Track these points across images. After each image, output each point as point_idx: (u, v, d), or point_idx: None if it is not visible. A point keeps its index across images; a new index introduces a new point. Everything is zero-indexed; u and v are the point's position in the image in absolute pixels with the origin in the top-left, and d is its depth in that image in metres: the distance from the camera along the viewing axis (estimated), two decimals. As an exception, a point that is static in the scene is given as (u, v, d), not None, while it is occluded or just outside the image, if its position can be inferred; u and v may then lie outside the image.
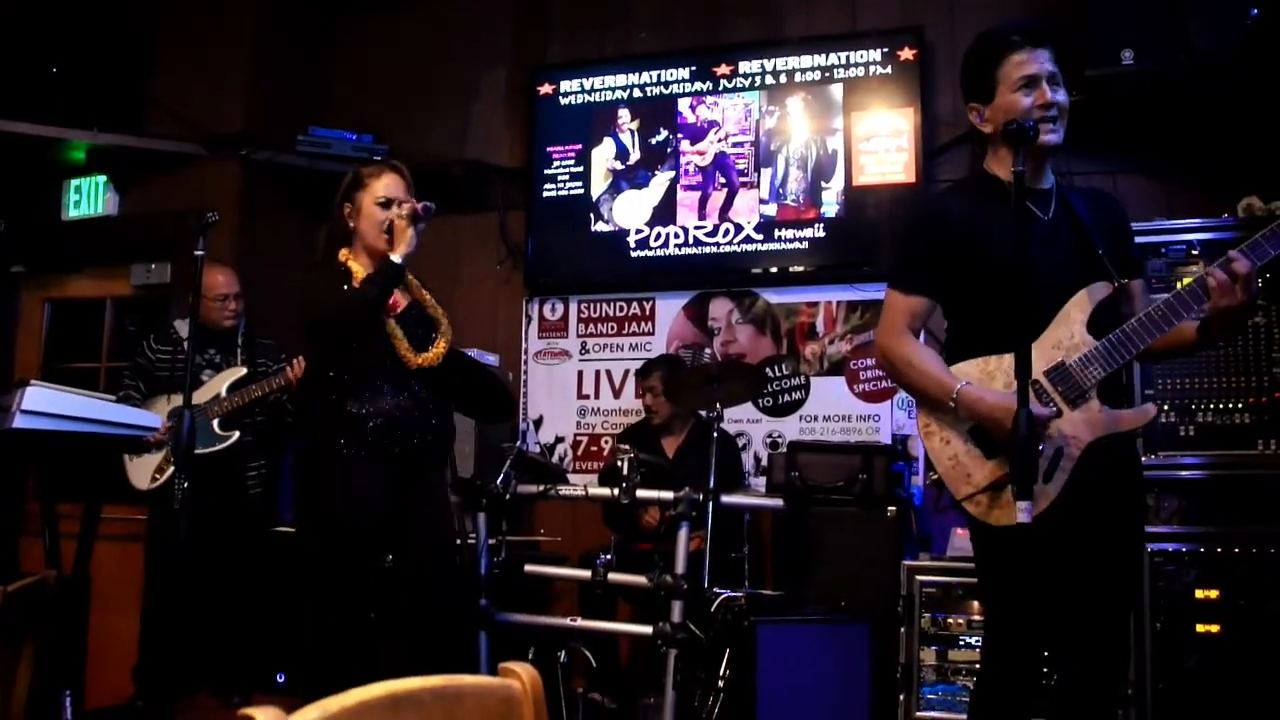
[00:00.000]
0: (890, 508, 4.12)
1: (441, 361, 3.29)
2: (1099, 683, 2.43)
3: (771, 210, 5.10)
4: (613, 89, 5.43)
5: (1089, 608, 2.43)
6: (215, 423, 4.40)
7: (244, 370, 4.53)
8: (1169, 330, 2.38)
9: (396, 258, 3.15)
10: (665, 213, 5.26)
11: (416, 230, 3.19)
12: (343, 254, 3.28)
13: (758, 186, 5.14)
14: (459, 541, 3.63)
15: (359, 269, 3.24)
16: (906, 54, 4.95)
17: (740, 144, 5.19)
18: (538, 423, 5.42)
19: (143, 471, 4.39)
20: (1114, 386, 2.48)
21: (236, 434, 4.43)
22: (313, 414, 3.30)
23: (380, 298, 3.14)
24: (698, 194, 5.22)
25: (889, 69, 4.98)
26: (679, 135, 5.29)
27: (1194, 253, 3.74)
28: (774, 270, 5.09)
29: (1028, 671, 2.40)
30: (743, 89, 5.22)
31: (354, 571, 3.16)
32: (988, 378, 2.45)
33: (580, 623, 3.91)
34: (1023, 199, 2.22)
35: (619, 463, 3.76)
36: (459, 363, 3.48)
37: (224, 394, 4.44)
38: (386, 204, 3.25)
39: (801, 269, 5.04)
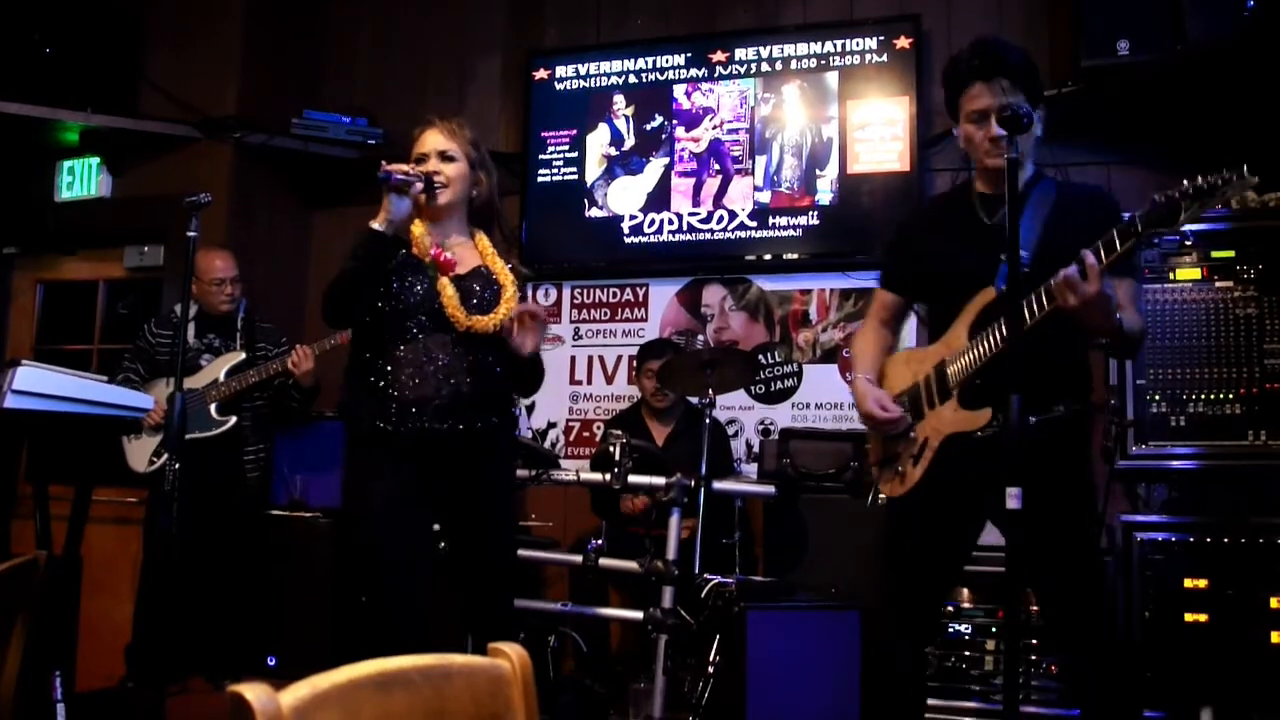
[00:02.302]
0: (881, 495, 4.12)
1: (498, 331, 2.93)
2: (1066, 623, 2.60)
3: (765, 197, 5.10)
4: (608, 75, 5.41)
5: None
6: (213, 407, 4.42)
7: (242, 355, 4.54)
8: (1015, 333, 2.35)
9: (375, 224, 2.86)
10: (659, 199, 5.26)
11: (394, 196, 2.86)
12: (415, 222, 3.02)
13: (752, 173, 5.13)
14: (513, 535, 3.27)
15: (418, 232, 3.00)
16: (903, 42, 4.94)
17: (735, 131, 5.18)
18: (530, 408, 5.43)
19: (141, 454, 4.41)
20: (1039, 381, 2.43)
21: (233, 419, 4.45)
22: (350, 393, 2.99)
23: (358, 269, 2.86)
24: (692, 180, 5.22)
25: (885, 57, 4.97)
26: (674, 121, 5.28)
27: (1187, 243, 3.75)
28: (768, 257, 5.08)
29: (917, 603, 2.77)
30: (738, 76, 5.21)
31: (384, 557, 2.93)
32: (904, 365, 2.83)
33: (571, 608, 3.93)
34: (1016, 186, 2.26)
35: (610, 448, 3.76)
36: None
37: (222, 378, 4.45)
38: (421, 160, 3.01)
39: (795, 256, 5.04)
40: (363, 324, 2.95)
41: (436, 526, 3.25)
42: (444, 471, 2.95)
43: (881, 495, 2.86)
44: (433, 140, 3.02)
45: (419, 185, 2.91)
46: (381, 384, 2.90)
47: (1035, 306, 2.39)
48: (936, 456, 2.65)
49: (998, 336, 2.46)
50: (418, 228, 3.01)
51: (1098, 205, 2.64)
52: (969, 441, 2.59)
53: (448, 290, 2.92)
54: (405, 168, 2.91)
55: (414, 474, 2.91)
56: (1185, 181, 2.18)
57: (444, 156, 3.01)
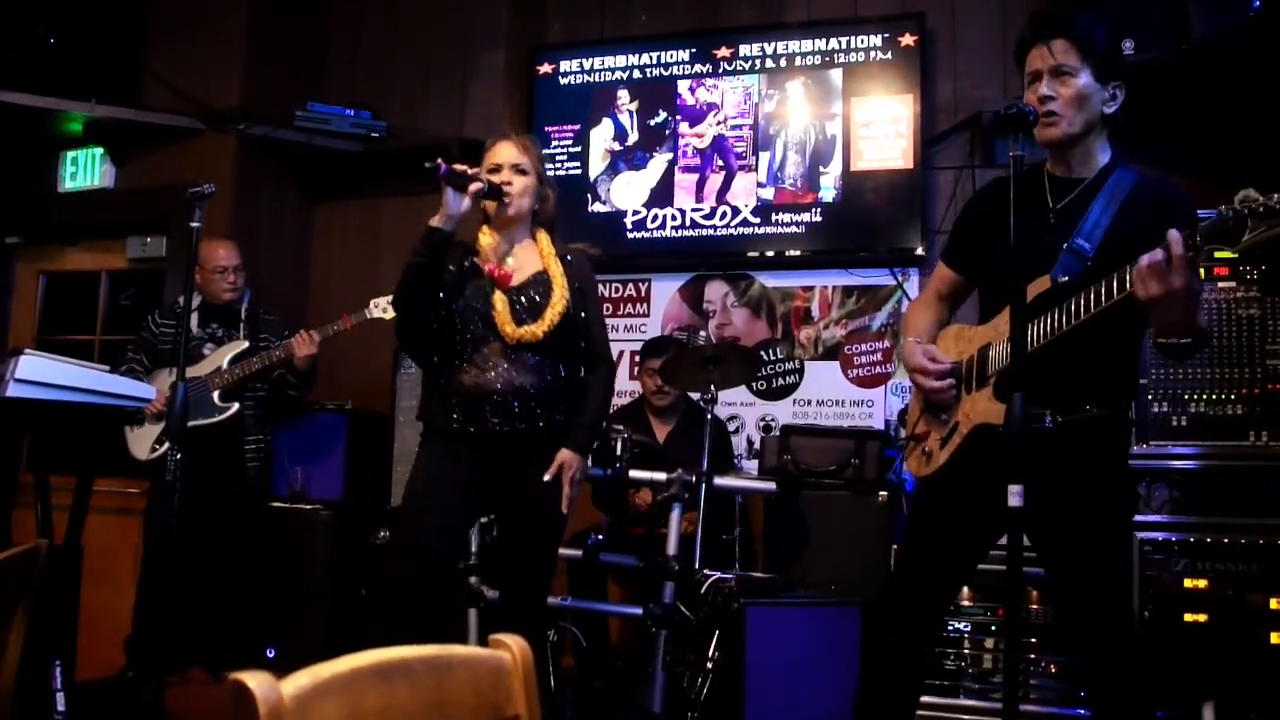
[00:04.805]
0: (882, 493, 4.12)
1: (548, 335, 3.08)
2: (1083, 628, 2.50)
3: (769, 194, 5.09)
4: (612, 70, 5.41)
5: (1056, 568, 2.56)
6: (215, 395, 4.42)
7: (246, 344, 4.54)
8: (1067, 328, 2.31)
9: (434, 221, 2.99)
10: (662, 194, 5.25)
11: (451, 193, 2.98)
12: (483, 230, 3.21)
13: (755, 170, 5.13)
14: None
15: (484, 241, 3.18)
16: (907, 40, 4.93)
17: (739, 127, 5.18)
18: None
19: (143, 442, 4.41)
20: (1061, 379, 2.41)
21: (236, 405, 4.45)
22: (423, 396, 3.22)
23: (417, 264, 3.00)
24: (695, 176, 5.22)
25: (889, 55, 4.97)
26: (678, 117, 5.28)
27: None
28: (770, 254, 5.08)
29: (917, 594, 2.66)
30: (742, 72, 5.20)
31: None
32: (954, 341, 2.70)
33: (570, 602, 3.92)
34: (1021, 186, 2.22)
35: (611, 443, 3.76)
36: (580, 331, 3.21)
37: (225, 366, 4.46)
38: (495, 171, 3.13)
39: (798, 253, 5.04)
40: (432, 331, 3.10)
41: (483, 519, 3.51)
42: (504, 468, 3.11)
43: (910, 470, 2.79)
44: (506, 153, 3.17)
45: (478, 185, 3.01)
46: (446, 387, 3.10)
47: (1093, 298, 2.27)
48: (963, 443, 2.55)
49: (1046, 326, 2.36)
50: (485, 237, 3.18)
51: (1164, 200, 2.47)
52: (996, 434, 2.42)
53: (499, 304, 3.08)
54: (465, 166, 3.01)
55: (468, 467, 3.08)
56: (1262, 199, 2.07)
57: (517, 169, 3.15)
